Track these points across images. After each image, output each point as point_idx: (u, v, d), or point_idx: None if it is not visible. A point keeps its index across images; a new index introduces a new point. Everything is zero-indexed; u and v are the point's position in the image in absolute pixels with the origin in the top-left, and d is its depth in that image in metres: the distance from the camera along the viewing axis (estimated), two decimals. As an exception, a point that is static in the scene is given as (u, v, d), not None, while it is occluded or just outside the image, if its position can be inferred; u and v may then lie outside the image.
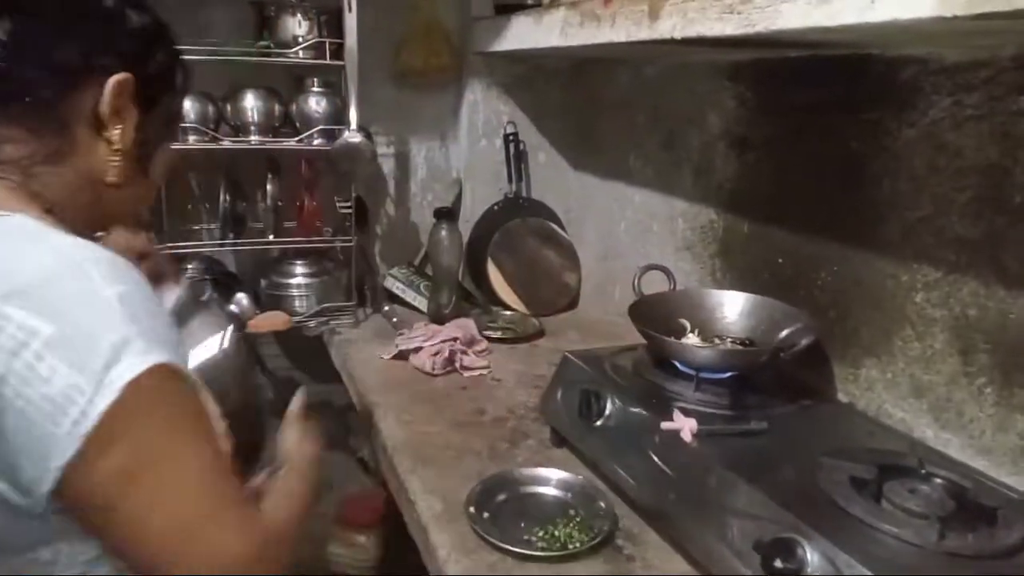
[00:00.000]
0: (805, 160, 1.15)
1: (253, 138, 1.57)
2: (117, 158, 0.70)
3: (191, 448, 0.60)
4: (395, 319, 1.66)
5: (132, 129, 0.70)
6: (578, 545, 0.88)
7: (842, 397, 1.08)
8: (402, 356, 1.46)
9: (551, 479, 1.02)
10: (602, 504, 0.95)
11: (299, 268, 1.65)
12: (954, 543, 0.69)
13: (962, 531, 0.71)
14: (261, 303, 1.63)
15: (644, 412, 0.95)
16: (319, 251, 1.70)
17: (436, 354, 1.40)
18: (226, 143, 1.55)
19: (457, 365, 1.41)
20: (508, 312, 1.73)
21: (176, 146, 1.48)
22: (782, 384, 1.03)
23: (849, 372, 1.07)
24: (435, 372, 1.39)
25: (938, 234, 0.92)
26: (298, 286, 1.63)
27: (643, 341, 1.09)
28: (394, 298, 1.77)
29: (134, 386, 0.56)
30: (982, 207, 0.86)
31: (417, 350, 1.44)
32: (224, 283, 1.64)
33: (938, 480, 0.79)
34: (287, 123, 1.61)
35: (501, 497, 0.98)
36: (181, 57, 0.77)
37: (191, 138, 1.53)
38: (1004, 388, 0.85)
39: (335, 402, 1.97)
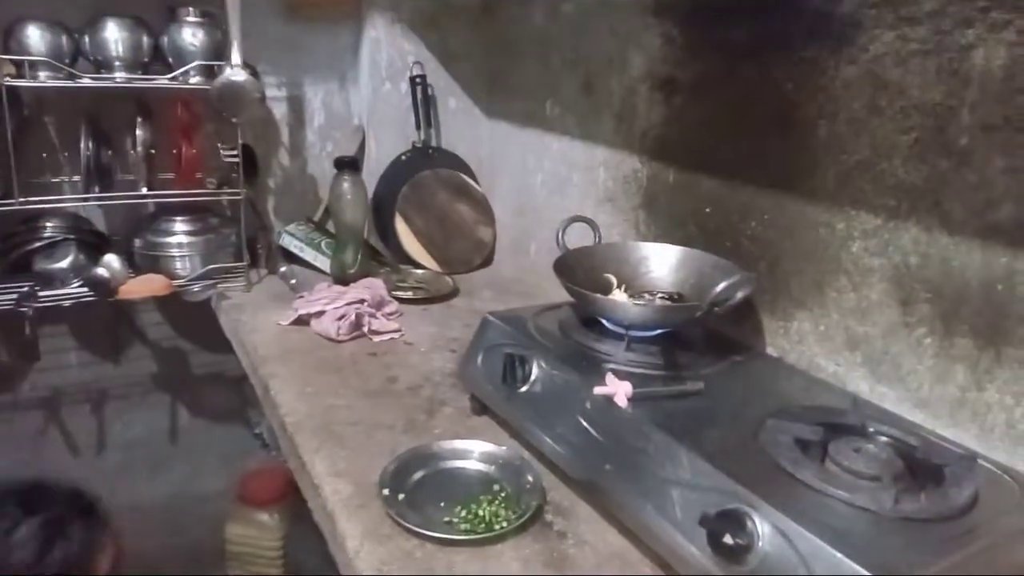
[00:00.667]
0: (735, 104, 1.08)
1: (118, 75, 1.36)
2: None
3: None
4: (293, 280, 1.51)
5: None
6: (505, 524, 0.79)
7: (772, 351, 1.03)
8: (302, 321, 1.32)
9: (473, 452, 0.93)
10: (529, 477, 0.87)
11: (179, 225, 1.47)
12: (909, 506, 0.64)
13: (914, 492, 0.67)
14: (135, 265, 1.44)
15: (574, 375, 0.87)
16: (202, 206, 1.52)
17: (341, 318, 1.28)
18: (86, 81, 1.34)
19: (365, 329, 1.29)
20: (419, 271, 1.61)
21: (23, 83, 1.27)
22: (711, 340, 0.98)
23: (779, 325, 1.02)
24: (340, 338, 1.26)
25: (877, 180, 0.87)
26: (179, 245, 1.45)
27: (567, 299, 1.01)
28: (292, 258, 1.62)
29: None
30: (925, 150, 0.82)
31: (319, 314, 1.30)
32: (91, 244, 1.44)
33: (883, 438, 0.75)
34: (158, 58, 1.41)
35: (418, 475, 0.88)
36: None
37: (42, 75, 1.31)
38: (945, 339, 0.81)
39: (228, 373, 1.81)
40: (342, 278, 1.48)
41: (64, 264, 1.38)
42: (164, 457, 1.80)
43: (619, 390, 0.81)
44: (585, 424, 0.83)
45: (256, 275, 1.56)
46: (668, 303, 1.00)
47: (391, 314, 1.37)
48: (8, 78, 1.27)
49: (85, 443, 1.71)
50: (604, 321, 0.97)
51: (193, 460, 1.84)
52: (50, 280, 1.37)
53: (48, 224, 1.42)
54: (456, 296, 1.52)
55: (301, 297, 1.38)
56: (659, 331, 0.95)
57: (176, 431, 1.81)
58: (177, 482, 1.82)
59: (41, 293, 1.34)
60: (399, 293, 1.46)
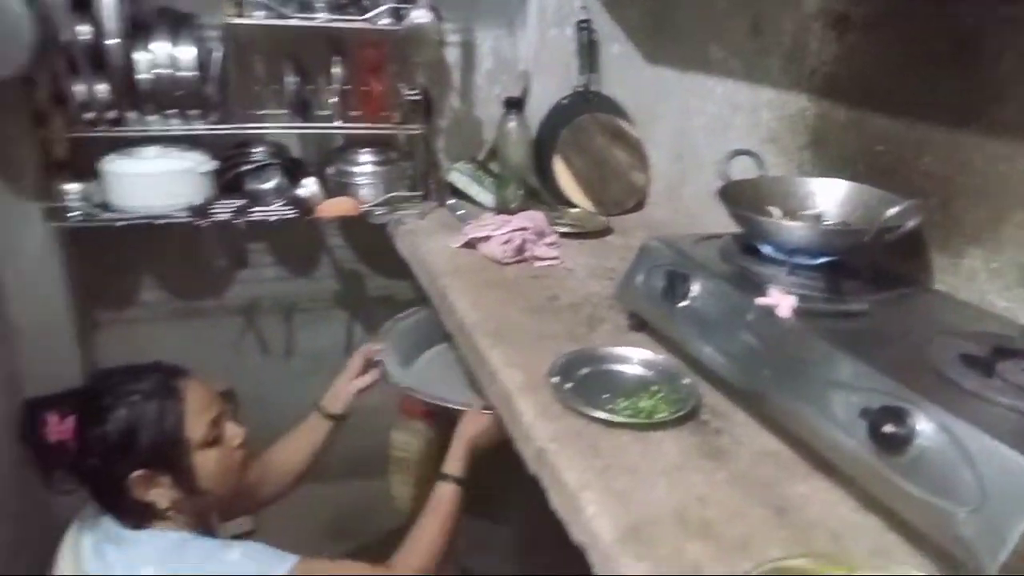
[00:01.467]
0: (910, 39, 1.06)
1: (320, 15, 1.52)
2: (169, 512, 1.03)
3: None
4: (460, 212, 1.64)
5: (171, 492, 1.02)
6: (665, 415, 0.87)
7: (940, 287, 1.03)
8: (471, 245, 1.45)
9: (633, 358, 1.01)
10: (686, 380, 0.94)
11: (365, 156, 1.63)
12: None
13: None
14: (328, 190, 1.62)
15: (734, 291, 0.93)
16: (384, 140, 1.67)
17: (507, 242, 1.39)
18: (293, 20, 1.51)
19: (527, 255, 1.40)
20: (575, 210, 1.70)
21: (242, 21, 1.45)
22: (877, 273, 0.99)
23: (950, 262, 1.02)
24: (505, 260, 1.38)
25: (1070, 109, 0.85)
26: (364, 174, 1.62)
27: (724, 232, 1.05)
28: (458, 193, 1.75)
29: None
30: None
31: (487, 239, 1.42)
32: (290, 169, 1.64)
33: (1056, 362, 0.75)
34: (353, 2, 1.56)
35: (584, 371, 0.97)
36: (166, 407, 1.03)
37: (256, 14, 1.49)
38: None
39: (398, 297, 1.99)
40: (504, 212, 1.59)
41: (270, 185, 1.58)
42: (339, 368, 2.02)
43: (782, 302, 0.85)
44: (745, 335, 0.88)
45: (428, 206, 1.70)
46: (835, 227, 1.02)
47: (551, 244, 1.46)
48: (230, 17, 1.47)
49: (276, 349, 1.95)
50: (765, 248, 1.01)
51: (363, 374, 2.05)
52: (258, 199, 1.58)
53: (256, 149, 1.62)
54: (610, 234, 1.59)
55: (470, 223, 1.50)
56: (823, 259, 0.97)
57: (351, 346, 2.01)
58: (350, 391, 2.03)
59: (251, 209, 1.55)
60: (558, 227, 1.55)
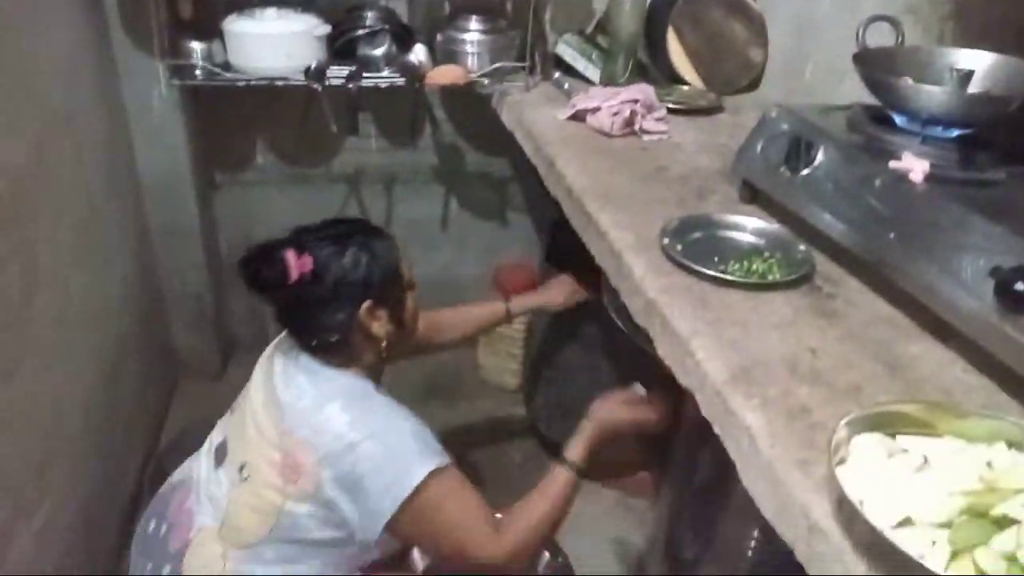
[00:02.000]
0: None
1: None
2: (384, 342, 1.09)
3: (462, 507, 1.03)
4: (566, 86, 1.62)
5: (386, 325, 1.09)
6: (777, 277, 0.88)
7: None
8: (579, 117, 1.44)
9: (747, 226, 1.00)
10: (801, 247, 0.94)
11: (473, 24, 1.61)
12: None
13: None
14: (436, 58, 1.62)
15: (863, 158, 0.90)
16: (492, 8, 1.64)
17: (616, 114, 1.37)
18: None
19: (636, 127, 1.38)
20: (685, 87, 1.65)
21: None
22: (1014, 147, 0.94)
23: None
24: (613, 133, 1.36)
25: None
26: (472, 43, 1.60)
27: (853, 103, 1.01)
28: (564, 67, 1.72)
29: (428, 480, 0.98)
30: None
31: (595, 110, 1.41)
32: (400, 35, 1.64)
33: None
34: None
35: (696, 235, 0.98)
36: (383, 250, 1.09)
37: None
38: None
39: (494, 174, 2.02)
40: (612, 86, 1.56)
41: (380, 51, 1.59)
42: (435, 240, 2.09)
43: (916, 167, 0.83)
44: (872, 201, 0.86)
45: (532, 80, 1.68)
46: (978, 93, 0.96)
47: (660, 119, 1.43)
48: None
49: (376, 217, 2.01)
50: (899, 119, 0.96)
51: (457, 247, 2.11)
52: (369, 64, 1.60)
53: (367, 14, 1.63)
54: (721, 112, 1.55)
55: (577, 96, 1.49)
56: (959, 132, 0.93)
57: (447, 219, 2.07)
58: (443, 264, 2.10)
59: (363, 75, 1.57)
60: (667, 103, 1.51)
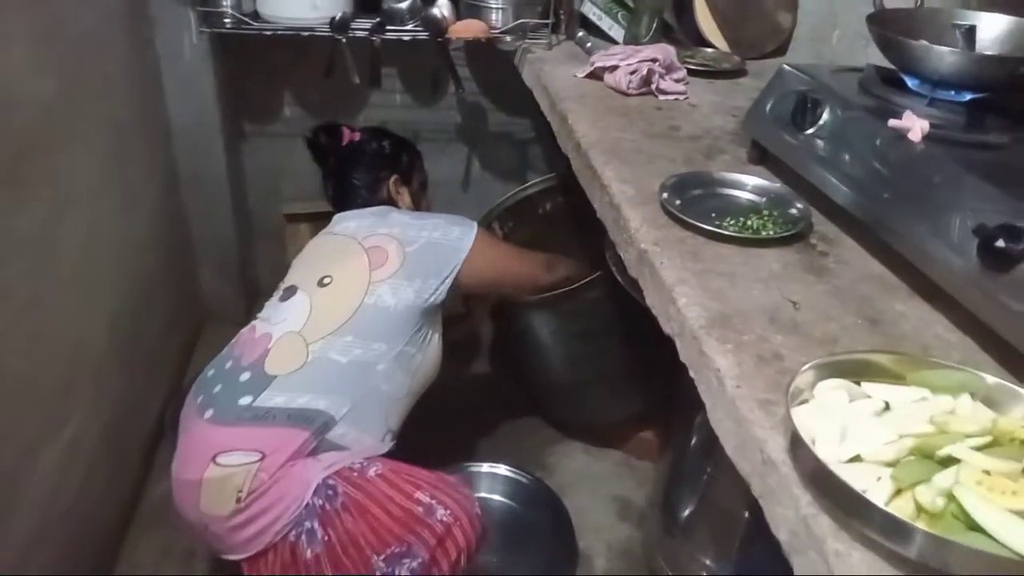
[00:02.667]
0: None
1: None
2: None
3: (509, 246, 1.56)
4: (588, 44, 1.61)
5: (407, 197, 1.53)
6: (771, 233, 0.88)
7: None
8: (596, 76, 1.43)
9: (747, 184, 1.00)
10: (799, 205, 0.94)
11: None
12: None
13: None
14: (459, 12, 1.63)
15: (867, 118, 0.90)
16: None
17: (633, 72, 1.37)
18: None
19: (653, 87, 1.37)
20: (709, 50, 1.63)
21: None
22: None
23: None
24: (630, 91, 1.36)
25: None
26: (495, -2, 1.61)
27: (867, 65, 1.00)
28: (588, 26, 1.71)
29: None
30: None
31: (613, 69, 1.40)
32: (426, -11, 1.65)
33: None
34: None
35: (695, 192, 0.98)
36: (411, 148, 1.60)
37: None
38: None
39: (516, 135, 2.03)
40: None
41: (405, 4, 1.61)
42: (456, 200, 2.10)
43: (915, 125, 0.82)
44: (871, 161, 0.86)
45: (555, 38, 1.68)
46: (990, 55, 0.94)
47: (679, 80, 1.43)
48: None
49: (399, 175, 2.05)
50: (910, 81, 0.95)
51: (478, 208, 2.12)
52: (393, 17, 1.61)
53: (393, -30, 1.64)
54: (743, 76, 1.53)
55: (597, 53, 1.48)
56: (969, 96, 0.91)
57: (468, 180, 2.09)
58: (463, 223, 2.13)
59: (387, 27, 1.59)
60: (688, 64, 1.50)
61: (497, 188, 2.12)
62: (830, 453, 0.55)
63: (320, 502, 1.07)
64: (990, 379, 0.62)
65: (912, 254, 0.78)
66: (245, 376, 1.16)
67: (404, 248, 1.28)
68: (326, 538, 1.06)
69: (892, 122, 0.83)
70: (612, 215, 0.99)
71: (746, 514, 1.25)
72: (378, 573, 1.05)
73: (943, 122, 0.87)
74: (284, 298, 1.28)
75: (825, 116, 0.95)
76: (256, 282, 2.17)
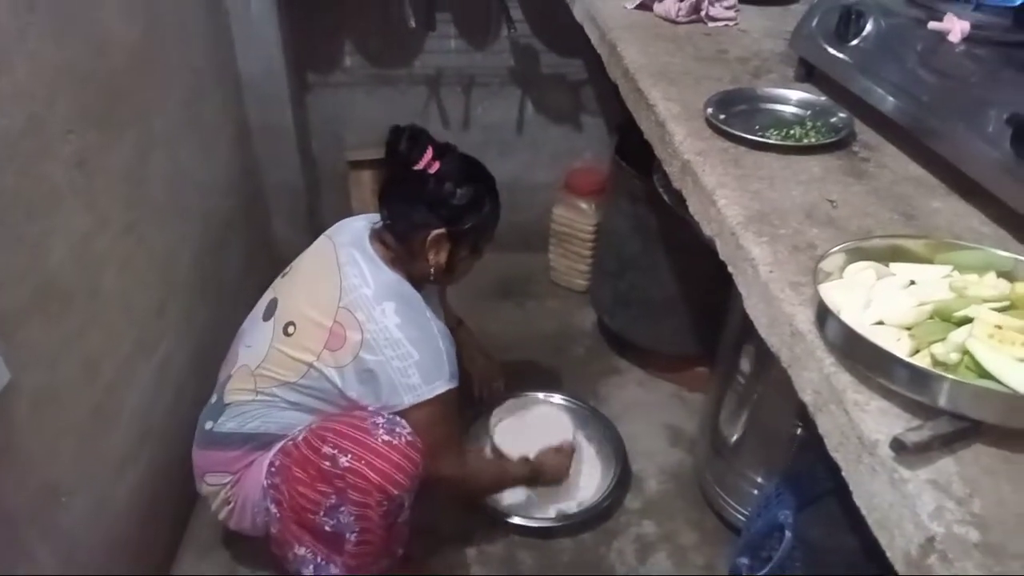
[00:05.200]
0: None
1: None
2: (431, 268, 1.27)
3: (450, 424, 1.28)
4: (639, -20, 1.62)
5: (443, 258, 1.27)
6: (813, 140, 0.91)
7: None
8: (646, 6, 1.45)
9: (792, 98, 1.03)
10: (841, 115, 0.96)
11: (549, -82, 1.64)
12: None
13: None
14: (512, -47, 1.66)
15: (908, 25, 0.91)
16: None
17: (683, 1, 1.38)
18: None
19: (703, 14, 1.39)
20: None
21: None
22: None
23: None
24: (679, 19, 1.38)
25: None
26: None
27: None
28: (640, -38, 1.72)
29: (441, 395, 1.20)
30: None
31: (662, -2, 1.42)
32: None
33: None
34: None
35: (740, 107, 1.01)
36: (488, 211, 1.29)
37: None
38: None
39: (570, 77, 2.05)
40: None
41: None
42: (510, 144, 2.16)
43: (956, 27, 0.83)
44: (912, 65, 0.88)
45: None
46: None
47: (729, 7, 1.43)
48: None
49: (455, 120, 2.11)
50: (955, -11, 0.95)
51: (531, 151, 2.18)
52: (447, -39, 1.66)
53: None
54: (796, 3, 1.52)
55: (647, -15, 1.50)
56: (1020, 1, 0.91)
57: (522, 123, 2.14)
58: (518, 167, 2.18)
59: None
60: (739, -9, 1.50)
61: (551, 131, 2.16)
62: (854, 319, 0.59)
63: (268, 481, 1.21)
64: (1015, 256, 0.64)
65: (950, 152, 0.80)
66: (213, 399, 1.29)
67: (360, 352, 1.16)
68: (277, 514, 1.20)
69: (932, 24, 0.85)
70: (658, 132, 1.03)
71: (797, 431, 1.29)
72: (327, 528, 1.14)
73: (986, 24, 0.87)
74: (265, 316, 1.28)
75: (868, 27, 0.97)
76: (324, 228, 2.27)
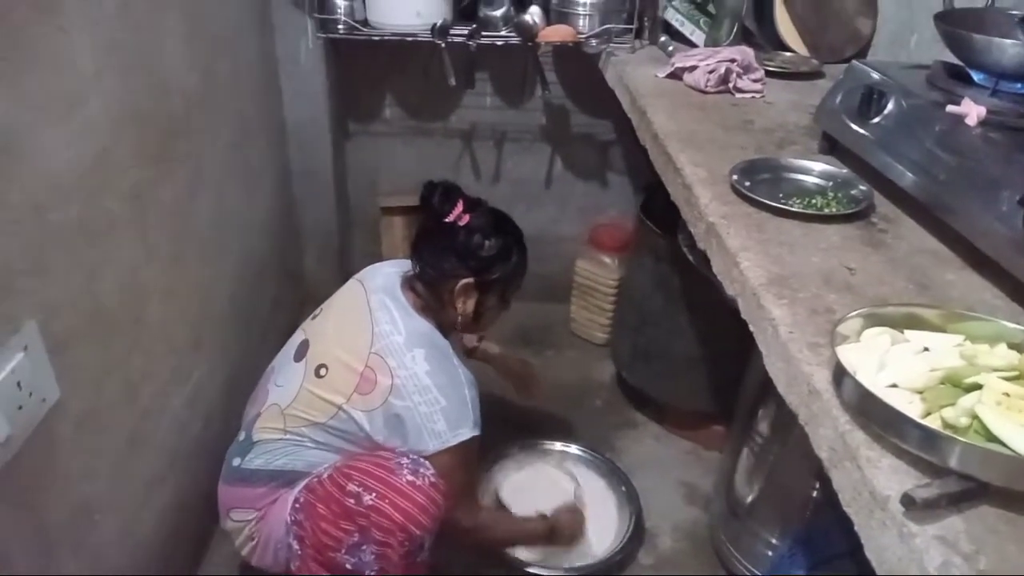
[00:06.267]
0: None
1: None
2: (459, 317, 1.34)
3: (470, 472, 1.31)
4: (670, 48, 1.70)
5: (470, 307, 1.33)
6: (834, 210, 0.95)
7: None
8: (676, 76, 1.53)
9: (814, 169, 1.08)
10: (862, 187, 1.00)
11: (583, -12, 1.73)
12: None
13: None
14: (549, 18, 1.76)
15: (928, 107, 0.96)
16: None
17: (711, 71, 1.45)
18: None
19: (731, 85, 1.46)
20: (788, 54, 1.69)
21: None
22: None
23: None
24: (708, 89, 1.45)
25: None
26: (583, 4, 1.72)
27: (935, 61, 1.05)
28: (671, 32, 1.80)
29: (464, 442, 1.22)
30: None
31: (692, 68, 1.49)
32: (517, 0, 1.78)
33: None
34: None
35: (763, 176, 1.06)
36: (515, 263, 1.35)
37: None
38: None
39: (597, 136, 2.13)
40: (715, 50, 1.63)
41: (500, 12, 1.75)
42: (538, 198, 2.23)
43: (972, 112, 0.88)
44: (930, 145, 0.93)
45: (639, 44, 1.78)
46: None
47: (756, 80, 1.50)
48: None
49: (486, 173, 2.19)
50: (974, 74, 1.01)
51: (558, 205, 2.25)
52: (488, 24, 1.75)
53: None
54: (821, 78, 1.59)
55: (676, 55, 1.58)
56: (1035, 87, 0.96)
57: (551, 178, 2.21)
58: (544, 221, 2.24)
59: (483, 33, 1.73)
60: (767, 66, 1.57)
61: (578, 187, 2.23)
62: (869, 381, 0.63)
63: (292, 518, 1.23)
64: (1026, 330, 0.68)
65: (964, 228, 0.85)
66: (241, 436, 1.33)
67: (390, 397, 1.20)
68: (299, 551, 1.23)
69: (950, 108, 0.90)
70: (684, 195, 1.08)
71: (813, 493, 1.30)
72: (348, 566, 1.16)
73: (1002, 109, 0.92)
74: (296, 357, 1.32)
75: (890, 106, 1.02)
76: (352, 269, 2.33)
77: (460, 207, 1.29)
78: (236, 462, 1.29)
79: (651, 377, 1.88)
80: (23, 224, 0.90)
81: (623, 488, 1.68)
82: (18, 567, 0.92)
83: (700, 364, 1.75)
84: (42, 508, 0.96)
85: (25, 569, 0.93)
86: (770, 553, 1.41)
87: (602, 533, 1.59)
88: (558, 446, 1.78)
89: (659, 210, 1.69)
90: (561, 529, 1.51)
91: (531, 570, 1.47)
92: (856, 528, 0.59)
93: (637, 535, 1.59)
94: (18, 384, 0.88)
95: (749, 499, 1.46)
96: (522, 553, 1.51)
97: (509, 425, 1.81)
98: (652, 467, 1.80)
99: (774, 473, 1.40)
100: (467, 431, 1.22)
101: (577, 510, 1.57)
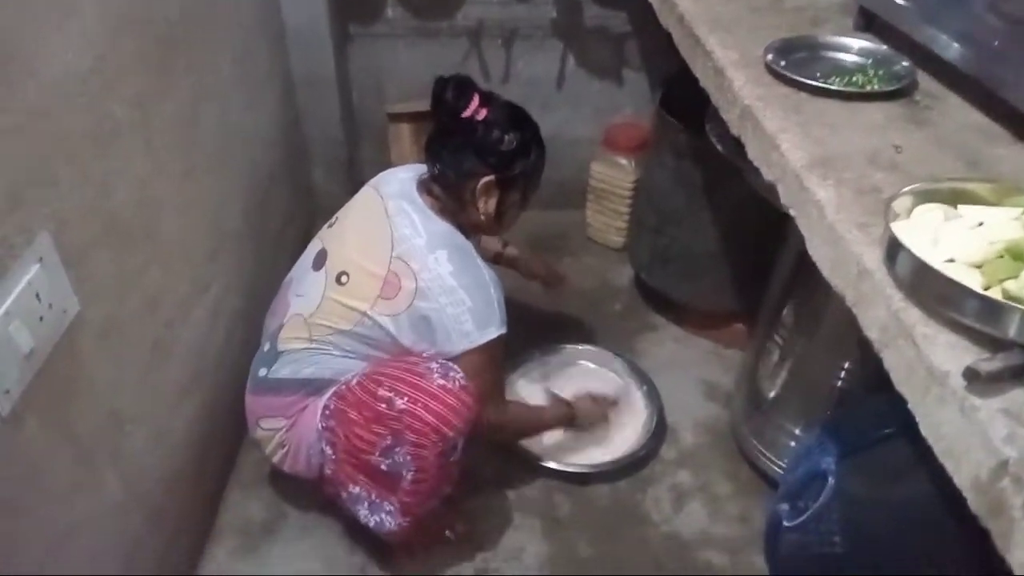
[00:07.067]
0: None
1: None
2: (482, 217, 1.28)
3: (497, 370, 1.30)
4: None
5: (492, 206, 1.28)
6: (875, 87, 0.90)
7: None
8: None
9: (853, 46, 1.02)
10: (904, 63, 0.95)
11: None
12: None
13: None
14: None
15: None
16: None
17: (737, -51, 1.36)
18: None
19: (757, -36, 1.36)
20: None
21: None
22: None
23: None
24: (732, -31, 1.36)
25: None
26: None
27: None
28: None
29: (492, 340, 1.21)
30: None
31: (716, -53, 1.40)
32: None
33: None
34: None
35: (800, 54, 1.01)
36: (535, 158, 1.29)
37: None
38: None
39: (612, 29, 2.03)
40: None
41: None
42: (550, 100, 2.15)
43: (1032, -30, 0.81)
44: (979, 11, 0.86)
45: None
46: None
47: (784, -43, 1.41)
48: None
49: (495, 74, 2.10)
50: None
51: (571, 106, 2.17)
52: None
53: None
54: (852, -46, 1.49)
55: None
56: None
57: (563, 77, 2.12)
58: (557, 123, 2.16)
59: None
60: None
61: (592, 85, 2.14)
62: (925, 256, 0.60)
63: (323, 424, 1.23)
64: (1088, 200, 0.64)
65: (1019, 99, 0.80)
66: (266, 347, 1.32)
67: (415, 300, 1.19)
68: (332, 455, 1.23)
69: (1009, -33, 0.83)
70: (715, 80, 1.03)
71: (838, 383, 1.30)
72: (383, 467, 1.17)
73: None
74: (315, 265, 1.30)
75: (938, -27, 0.95)
76: (361, 180, 2.28)
77: (476, 101, 1.23)
78: (263, 372, 1.29)
79: (671, 278, 1.86)
80: (26, 131, 0.86)
81: (644, 387, 1.69)
82: (59, 478, 0.93)
83: (722, 262, 1.72)
84: (73, 420, 0.97)
85: (68, 479, 0.95)
86: (793, 444, 1.42)
87: (626, 430, 1.61)
88: (581, 347, 1.78)
89: (679, 105, 1.62)
90: (581, 413, 1.53)
91: (554, 466, 1.50)
92: (910, 406, 0.57)
93: (659, 431, 1.61)
94: (37, 296, 0.86)
95: (772, 393, 1.46)
96: (549, 442, 1.54)
97: (531, 331, 1.81)
98: (672, 367, 1.81)
99: (798, 366, 1.40)
100: (495, 329, 1.21)
101: (601, 399, 1.59)
